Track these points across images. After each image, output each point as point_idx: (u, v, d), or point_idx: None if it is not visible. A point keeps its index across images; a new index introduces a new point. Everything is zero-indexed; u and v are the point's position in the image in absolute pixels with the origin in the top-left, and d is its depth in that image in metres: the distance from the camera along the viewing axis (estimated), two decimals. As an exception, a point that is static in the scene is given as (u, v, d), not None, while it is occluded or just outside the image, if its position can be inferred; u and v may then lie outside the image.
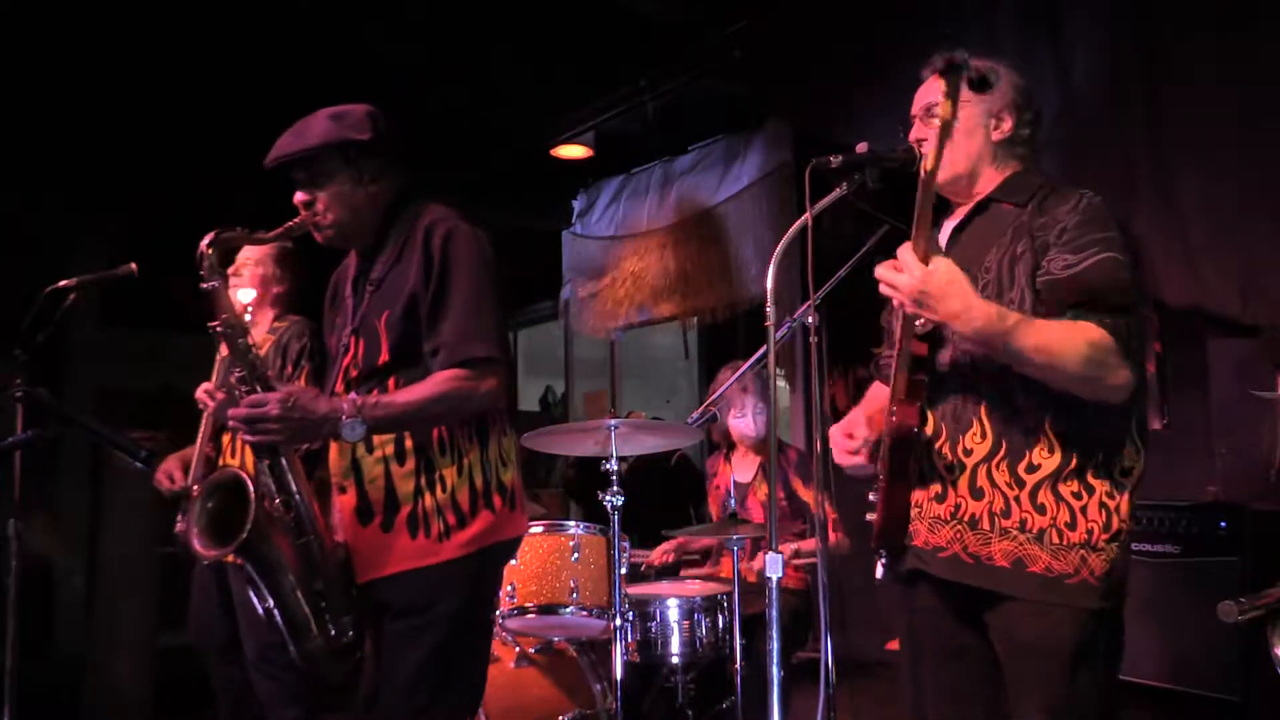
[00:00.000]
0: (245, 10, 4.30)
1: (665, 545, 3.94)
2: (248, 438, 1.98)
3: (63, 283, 2.98)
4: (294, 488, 2.04)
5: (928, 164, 1.69)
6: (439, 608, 2.03)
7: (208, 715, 3.29)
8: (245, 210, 2.69)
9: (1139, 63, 3.54)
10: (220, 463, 3.09)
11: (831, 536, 3.53)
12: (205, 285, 2.08)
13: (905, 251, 1.71)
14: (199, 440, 3.06)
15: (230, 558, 2.85)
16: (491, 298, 2.08)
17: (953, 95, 1.63)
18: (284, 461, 2.04)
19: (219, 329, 2.08)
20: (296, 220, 2.15)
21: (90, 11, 4.23)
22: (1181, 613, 3.10)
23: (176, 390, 3.18)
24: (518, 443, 2.27)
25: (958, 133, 1.88)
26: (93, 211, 6.22)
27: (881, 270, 1.75)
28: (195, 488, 3.02)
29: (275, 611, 2.02)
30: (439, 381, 2.01)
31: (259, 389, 2.03)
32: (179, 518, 3.08)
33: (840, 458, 2.03)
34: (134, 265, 3.03)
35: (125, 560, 4.90)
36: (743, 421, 3.75)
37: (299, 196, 2.14)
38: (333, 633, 2.04)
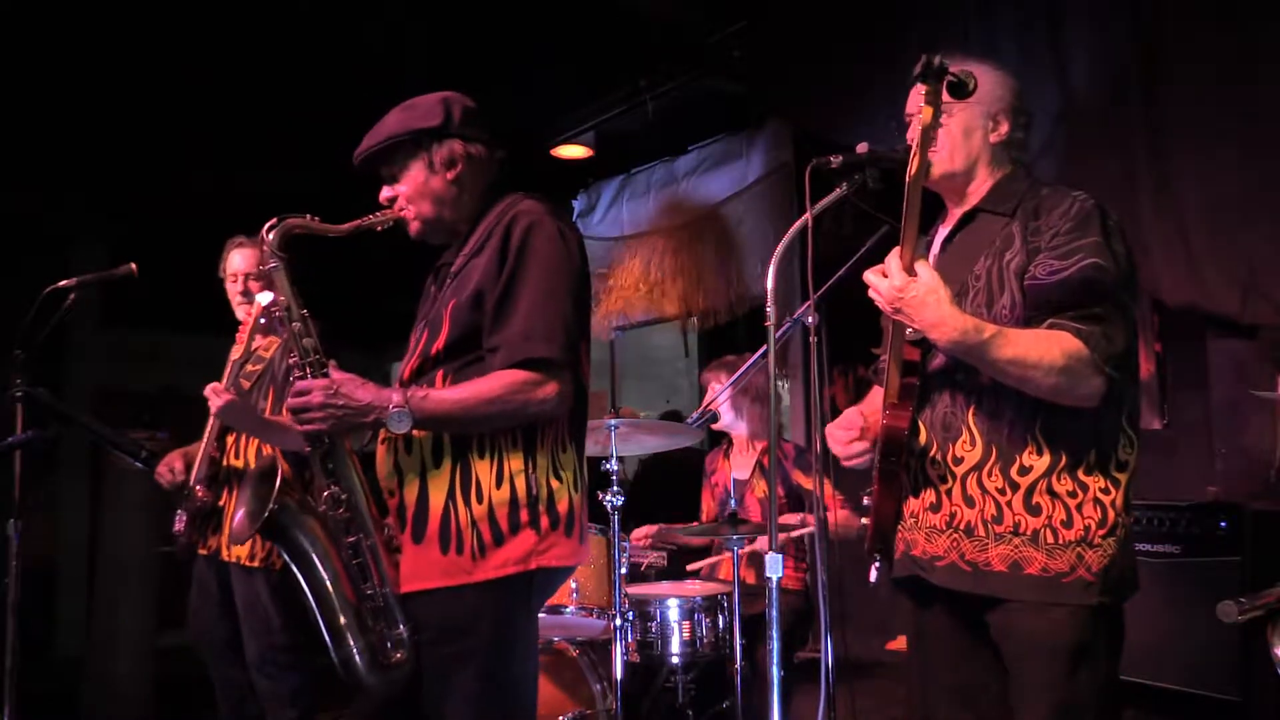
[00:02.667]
0: (245, 12, 4.30)
1: (647, 528, 3.89)
2: (298, 427, 1.92)
3: (63, 283, 2.98)
4: (348, 482, 1.95)
5: (911, 170, 1.70)
6: (476, 638, 1.88)
7: (208, 715, 3.29)
8: (247, 209, 2.70)
9: (1138, 63, 3.54)
10: (225, 464, 3.09)
11: (842, 515, 3.50)
12: (265, 268, 2.04)
13: (892, 258, 1.76)
14: (204, 440, 3.06)
15: (258, 539, 2.75)
16: (564, 300, 1.92)
17: (934, 100, 1.65)
18: (337, 453, 1.95)
19: (275, 312, 2.04)
20: (375, 215, 2.07)
21: (91, 12, 4.24)
22: (1181, 613, 3.10)
23: (176, 390, 3.18)
24: (580, 462, 2.04)
25: (957, 133, 1.91)
26: (93, 211, 6.23)
27: (868, 274, 1.79)
28: (198, 489, 3.03)
29: (313, 608, 1.94)
30: (494, 381, 1.88)
31: (310, 374, 1.94)
32: (178, 517, 3.08)
33: (836, 449, 2.03)
34: (134, 265, 3.03)
35: (125, 560, 4.90)
36: (730, 419, 3.76)
37: (384, 194, 2.09)
38: (376, 643, 1.92)
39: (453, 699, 1.89)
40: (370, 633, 1.92)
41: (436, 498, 1.92)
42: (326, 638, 1.94)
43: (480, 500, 1.90)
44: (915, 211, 1.72)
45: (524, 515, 1.90)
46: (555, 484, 1.95)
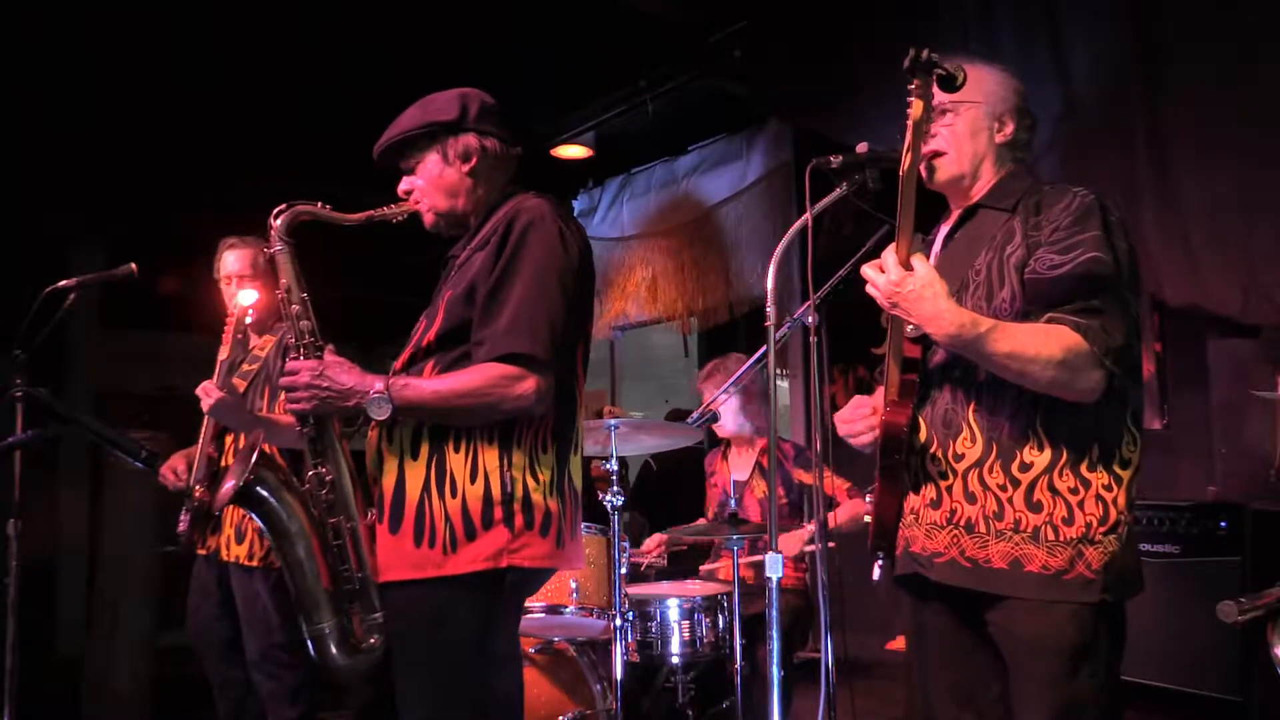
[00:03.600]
0: (246, 13, 4.30)
1: (657, 537, 3.92)
2: (287, 406, 1.96)
3: (63, 283, 2.98)
4: (335, 465, 1.98)
5: (904, 165, 1.71)
6: (444, 632, 1.90)
7: (208, 715, 3.29)
8: (247, 210, 2.70)
9: (1139, 63, 3.53)
10: (222, 463, 3.10)
11: (851, 505, 3.49)
12: (269, 251, 2.06)
13: (889, 253, 1.76)
14: (201, 441, 3.06)
15: (257, 540, 2.93)
16: (554, 299, 1.93)
17: (924, 94, 1.66)
18: (325, 435, 1.98)
19: (280, 294, 2.06)
20: (389, 207, 2.10)
21: (91, 13, 4.24)
22: (1181, 613, 3.10)
23: (176, 390, 3.18)
24: (563, 464, 2.02)
25: (964, 134, 1.92)
26: (93, 211, 6.22)
27: (865, 269, 1.80)
28: (197, 488, 3.04)
29: (289, 583, 1.97)
30: (473, 374, 1.90)
31: (303, 356, 1.98)
32: (182, 517, 3.09)
33: (847, 428, 2.01)
34: (134, 265, 3.04)
35: (125, 560, 4.90)
36: (733, 427, 3.76)
37: (401, 186, 2.13)
38: (349, 625, 1.95)
39: (418, 693, 1.91)
40: (343, 614, 1.95)
41: (413, 488, 1.94)
42: (300, 613, 1.96)
43: (455, 494, 1.91)
44: (910, 206, 1.73)
45: (498, 512, 1.91)
46: (532, 484, 1.94)
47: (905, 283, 1.72)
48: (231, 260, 3.20)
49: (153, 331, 6.82)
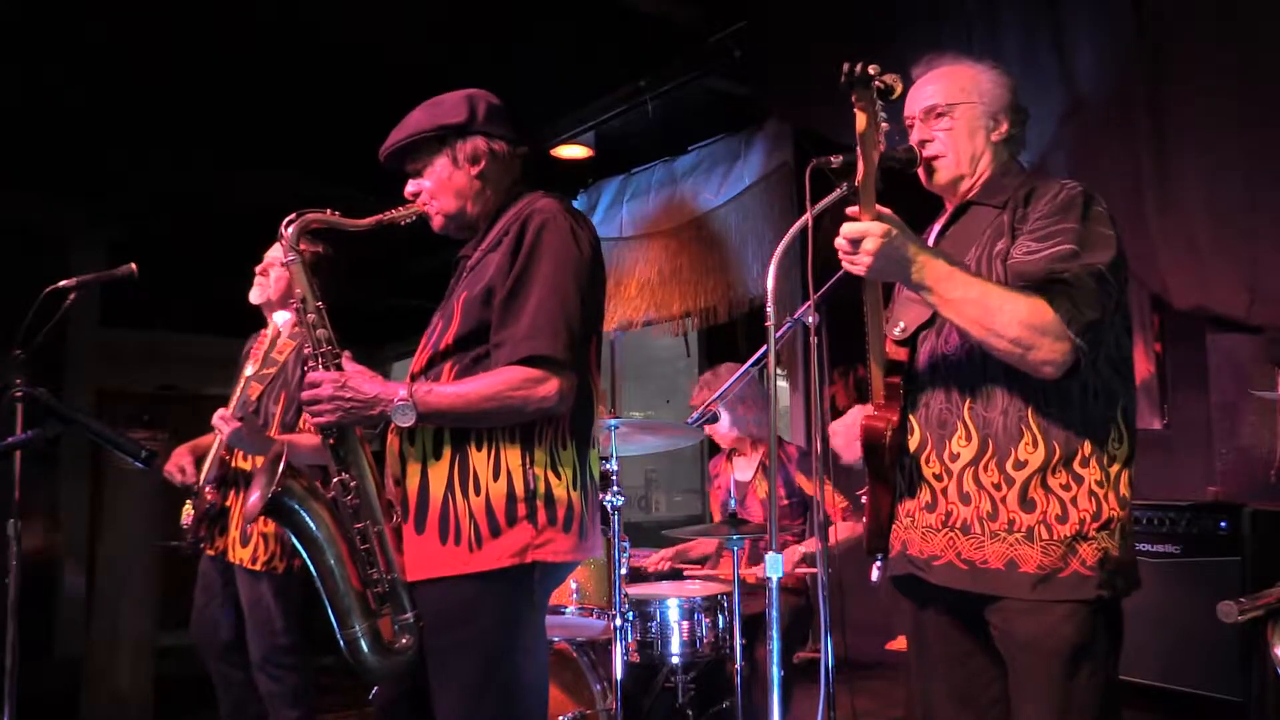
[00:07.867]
0: (247, 12, 4.30)
1: (664, 553, 3.94)
2: (310, 420, 1.97)
3: (63, 283, 2.99)
4: (359, 471, 1.98)
5: (858, 176, 1.74)
6: (473, 629, 1.91)
7: (208, 715, 3.29)
8: (247, 211, 2.70)
9: (1142, 64, 3.53)
10: (234, 464, 3.10)
11: (847, 527, 3.52)
12: (282, 263, 2.07)
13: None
14: (215, 442, 3.07)
15: (262, 544, 2.98)
16: (571, 299, 1.95)
17: (867, 107, 1.70)
18: (348, 442, 1.98)
19: (294, 305, 2.06)
20: (398, 210, 2.10)
21: (91, 13, 4.24)
22: (1181, 613, 3.10)
23: (176, 390, 3.18)
24: (583, 459, 2.04)
25: (963, 135, 1.95)
26: (93, 211, 6.23)
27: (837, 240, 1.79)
28: (207, 489, 3.04)
29: (321, 590, 1.98)
30: (496, 377, 1.91)
31: (322, 365, 1.98)
32: (185, 513, 3.09)
33: (835, 442, 2.05)
34: (134, 265, 3.04)
35: (125, 560, 4.90)
36: (720, 424, 3.76)
37: (408, 188, 2.13)
38: (381, 626, 1.96)
39: (450, 689, 1.92)
40: (375, 616, 1.96)
41: (436, 488, 1.96)
42: (333, 618, 1.97)
43: (478, 492, 1.93)
44: (870, 207, 1.74)
45: (521, 509, 1.92)
46: (554, 480, 1.96)
47: (865, 226, 1.71)
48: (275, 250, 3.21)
49: (153, 331, 6.83)
